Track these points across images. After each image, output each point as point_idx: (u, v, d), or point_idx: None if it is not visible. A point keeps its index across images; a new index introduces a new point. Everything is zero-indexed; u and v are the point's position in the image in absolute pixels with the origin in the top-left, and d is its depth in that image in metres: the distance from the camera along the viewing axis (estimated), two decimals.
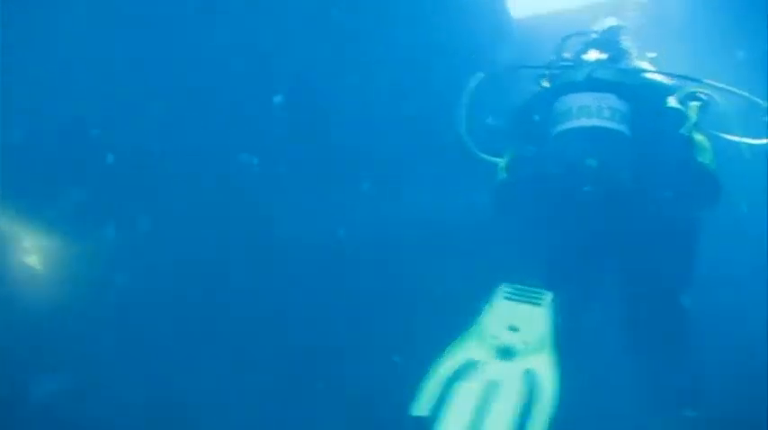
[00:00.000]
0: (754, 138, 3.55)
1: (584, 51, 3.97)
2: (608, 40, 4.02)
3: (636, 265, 3.44)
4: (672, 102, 3.48)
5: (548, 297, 2.76)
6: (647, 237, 3.31)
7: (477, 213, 4.17)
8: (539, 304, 2.72)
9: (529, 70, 3.99)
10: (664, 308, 3.34)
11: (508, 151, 3.76)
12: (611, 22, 4.21)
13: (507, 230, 3.84)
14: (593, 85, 3.46)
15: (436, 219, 5.07)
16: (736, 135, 3.54)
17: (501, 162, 3.74)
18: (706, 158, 3.37)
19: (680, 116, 3.42)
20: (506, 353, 2.54)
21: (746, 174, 3.57)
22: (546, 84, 3.88)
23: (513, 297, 2.77)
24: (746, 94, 3.47)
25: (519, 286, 2.83)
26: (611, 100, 3.38)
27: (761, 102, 3.46)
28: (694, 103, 3.50)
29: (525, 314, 2.67)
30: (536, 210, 3.48)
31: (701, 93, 3.53)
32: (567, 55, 4.02)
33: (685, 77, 3.60)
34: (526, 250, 3.58)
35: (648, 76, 3.68)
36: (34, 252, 4.85)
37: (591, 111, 3.34)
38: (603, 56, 3.88)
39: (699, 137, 3.41)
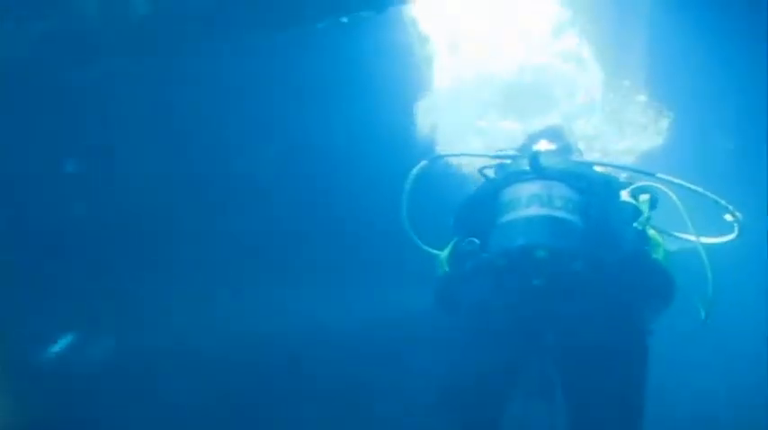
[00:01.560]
0: (708, 236, 3.36)
1: (532, 143, 3.82)
2: (555, 134, 3.89)
3: (587, 365, 3.06)
4: (625, 195, 3.29)
5: None
6: (601, 334, 2.94)
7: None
8: None
9: (474, 159, 3.81)
10: (615, 412, 2.94)
11: (451, 243, 3.50)
12: (556, 120, 4.15)
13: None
14: (543, 173, 3.24)
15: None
16: (689, 233, 3.34)
17: (442, 254, 3.49)
18: (659, 255, 3.16)
19: (633, 210, 3.22)
20: None
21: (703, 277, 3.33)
22: (491, 173, 3.67)
23: None
24: (700, 189, 3.31)
25: None
26: (561, 189, 3.16)
27: (716, 198, 3.30)
28: (644, 196, 3.32)
29: None
30: (481, 306, 3.10)
31: (653, 186, 3.36)
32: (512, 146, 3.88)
33: (638, 170, 3.47)
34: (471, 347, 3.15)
35: (600, 168, 3.51)
36: None
37: (542, 200, 3.10)
38: (552, 146, 3.73)
39: (652, 232, 3.23)
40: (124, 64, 4.11)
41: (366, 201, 4.75)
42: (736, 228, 3.28)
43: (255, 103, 4.61)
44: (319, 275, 5.04)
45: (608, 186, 3.36)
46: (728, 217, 3.30)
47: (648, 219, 3.23)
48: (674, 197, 3.30)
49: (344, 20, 3.89)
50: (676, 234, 3.40)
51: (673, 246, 3.33)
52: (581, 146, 3.99)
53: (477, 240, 3.21)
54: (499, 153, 3.77)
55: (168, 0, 3.77)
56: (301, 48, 4.34)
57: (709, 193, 3.30)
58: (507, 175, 3.38)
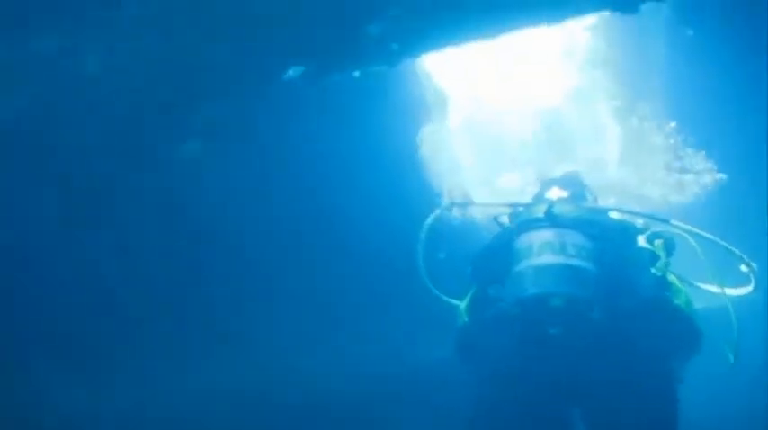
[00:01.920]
0: (724, 286, 3.30)
1: (546, 190, 3.83)
2: (569, 181, 3.90)
3: (608, 415, 3.00)
4: (641, 241, 3.26)
5: None
6: (622, 383, 2.89)
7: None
8: None
9: (489, 208, 3.82)
10: None
11: (469, 293, 3.50)
12: (570, 167, 4.16)
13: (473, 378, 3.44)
14: (556, 221, 3.23)
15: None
16: (706, 281, 3.30)
17: (461, 304, 3.48)
18: (681, 300, 3.12)
19: (651, 256, 3.19)
20: None
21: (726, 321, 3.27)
22: (506, 222, 3.69)
23: None
24: (715, 238, 3.28)
25: None
26: (575, 237, 3.13)
27: (731, 248, 3.26)
28: (659, 242, 3.30)
29: None
30: (501, 354, 3.08)
31: (669, 232, 3.34)
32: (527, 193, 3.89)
33: (652, 217, 3.45)
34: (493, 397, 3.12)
35: (613, 214, 3.50)
36: None
37: (554, 248, 3.07)
38: (564, 193, 3.73)
39: (672, 277, 3.19)
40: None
41: (382, 253, 4.75)
42: (752, 280, 3.24)
43: (261, 159, 4.61)
44: (335, 328, 5.01)
45: (623, 232, 3.34)
46: (744, 267, 3.26)
47: (667, 264, 3.21)
48: (693, 243, 3.28)
49: (356, 74, 3.89)
50: (695, 283, 3.35)
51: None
52: (596, 192, 4.00)
53: (494, 288, 3.22)
54: (513, 201, 3.79)
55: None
56: (310, 102, 4.34)
57: (724, 243, 3.27)
58: (521, 224, 3.37)
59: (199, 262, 4.63)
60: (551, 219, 3.23)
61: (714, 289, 3.30)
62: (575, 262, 3.01)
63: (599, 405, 2.96)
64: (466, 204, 4.09)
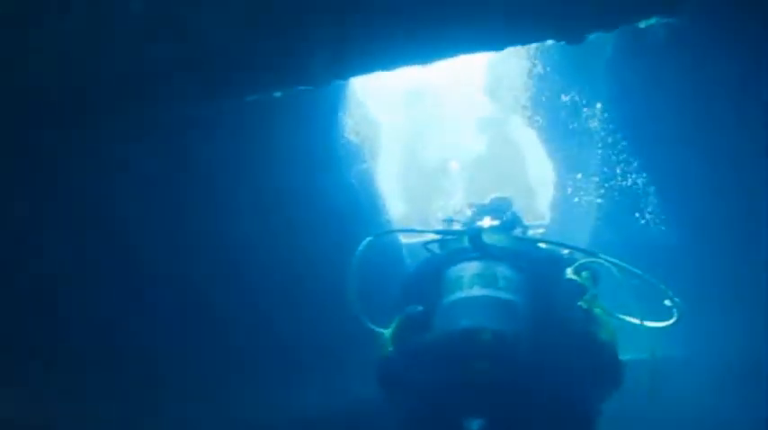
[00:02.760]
0: (649, 320, 3.30)
1: (477, 218, 3.80)
2: (500, 207, 3.89)
3: None
4: (569, 273, 3.25)
5: None
6: (544, 419, 2.86)
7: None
8: None
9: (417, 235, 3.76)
10: None
11: (394, 321, 3.39)
12: (500, 194, 4.16)
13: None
14: (486, 252, 3.20)
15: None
16: (630, 315, 3.30)
17: (386, 333, 3.37)
18: (607, 336, 3.11)
19: (578, 288, 3.18)
20: None
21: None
22: (436, 249, 3.63)
23: None
24: (639, 271, 3.31)
25: None
26: (504, 269, 3.10)
27: (656, 282, 3.29)
28: (585, 274, 3.30)
29: None
30: (424, 387, 2.99)
31: (595, 263, 3.35)
32: (457, 220, 3.84)
33: (580, 249, 3.45)
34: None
35: (543, 245, 3.49)
36: None
37: (485, 280, 3.03)
38: (495, 222, 3.70)
39: (598, 310, 3.18)
40: None
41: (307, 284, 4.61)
42: (675, 314, 3.26)
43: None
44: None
45: (552, 263, 3.34)
46: (667, 302, 3.30)
47: (595, 296, 3.21)
48: (618, 276, 3.28)
49: (277, 94, 3.55)
50: (620, 316, 3.36)
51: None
52: (526, 220, 3.99)
53: (420, 315, 3.14)
54: (444, 229, 3.73)
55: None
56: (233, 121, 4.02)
57: (650, 277, 3.30)
58: (451, 253, 3.33)
59: None
60: (481, 250, 3.20)
61: (636, 321, 3.29)
62: (504, 295, 2.97)
63: None
64: (396, 231, 3.99)
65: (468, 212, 3.93)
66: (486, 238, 3.26)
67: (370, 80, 3.93)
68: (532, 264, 3.22)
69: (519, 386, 2.81)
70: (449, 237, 3.60)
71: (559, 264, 3.35)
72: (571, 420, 2.89)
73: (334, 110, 5.00)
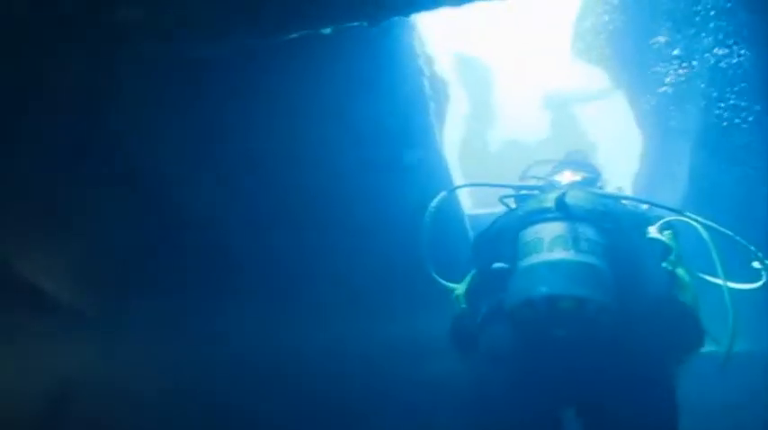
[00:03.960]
0: (734, 281, 3.18)
1: (557, 172, 3.69)
2: (580, 163, 3.76)
3: (607, 418, 2.93)
4: (653, 232, 3.15)
5: None
6: (624, 386, 2.82)
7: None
8: None
9: (495, 189, 3.68)
10: None
11: (467, 277, 3.38)
12: (580, 148, 4.02)
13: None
14: (568, 212, 3.06)
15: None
16: (716, 275, 3.19)
17: (458, 289, 3.35)
18: (688, 297, 3.03)
19: (662, 248, 3.09)
20: None
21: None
22: (513, 205, 3.54)
23: None
24: (730, 232, 3.18)
25: None
26: (587, 230, 2.98)
27: (745, 242, 3.17)
28: (668, 233, 3.18)
29: None
30: (498, 355, 2.98)
31: (679, 222, 3.24)
32: (537, 175, 3.74)
33: (664, 206, 3.33)
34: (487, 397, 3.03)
35: (626, 202, 3.38)
36: None
37: (566, 243, 2.91)
38: (577, 177, 3.59)
39: (681, 271, 3.09)
40: None
41: (382, 235, 4.62)
42: (764, 275, 3.14)
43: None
44: (333, 305, 4.94)
45: (635, 222, 3.23)
46: (756, 263, 3.17)
47: (679, 257, 3.11)
48: (705, 236, 3.16)
49: (327, 31, 3.19)
50: (703, 275, 3.26)
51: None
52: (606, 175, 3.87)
53: (504, 265, 3.05)
54: (523, 184, 3.65)
55: None
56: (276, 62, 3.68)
57: (738, 237, 3.18)
58: (529, 212, 3.19)
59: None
60: (563, 210, 3.07)
61: (721, 282, 3.19)
62: (588, 259, 2.87)
63: (601, 407, 2.88)
64: (472, 185, 3.92)
65: (548, 167, 3.82)
66: (569, 198, 3.11)
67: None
68: (616, 224, 3.09)
69: (599, 354, 2.78)
70: (529, 192, 3.52)
71: (643, 222, 3.24)
72: (651, 385, 2.84)
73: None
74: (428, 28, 5.00)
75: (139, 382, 5.47)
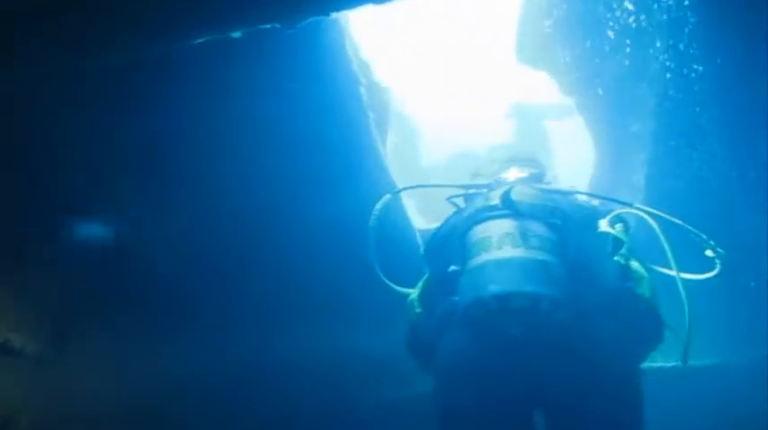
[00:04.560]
0: (686, 271, 3.11)
1: (503, 169, 3.59)
2: (527, 160, 3.67)
3: (573, 416, 2.81)
4: (603, 226, 3.06)
5: None
6: (587, 383, 2.71)
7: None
8: None
9: (441, 190, 3.56)
10: None
11: (421, 281, 3.26)
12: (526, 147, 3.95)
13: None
14: (515, 209, 2.96)
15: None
16: (667, 267, 3.11)
17: (413, 294, 3.23)
18: (645, 290, 2.94)
19: (614, 241, 3.00)
20: None
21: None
22: (461, 205, 3.43)
23: None
24: (680, 221, 3.11)
25: None
26: (536, 226, 2.88)
27: (697, 232, 3.10)
28: (619, 226, 3.10)
29: None
30: (457, 353, 2.84)
31: (629, 214, 3.16)
32: (482, 175, 3.64)
33: (615, 200, 3.26)
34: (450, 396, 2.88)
35: (576, 197, 3.29)
36: None
37: (515, 240, 2.81)
38: (524, 173, 3.50)
39: (635, 264, 3.00)
40: None
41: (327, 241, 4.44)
42: (717, 265, 3.07)
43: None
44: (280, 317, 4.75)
45: (585, 217, 3.14)
46: (709, 252, 3.11)
47: (631, 250, 3.03)
48: (656, 228, 3.08)
49: (237, 35, 2.97)
50: (655, 267, 3.18)
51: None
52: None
53: (455, 267, 2.93)
54: (469, 183, 3.54)
55: None
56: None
57: (690, 227, 3.11)
58: (476, 211, 3.08)
59: None
60: (510, 207, 2.97)
61: (674, 274, 3.10)
62: (538, 255, 2.76)
63: (563, 406, 2.76)
64: (417, 187, 3.80)
65: (494, 165, 3.72)
66: (515, 194, 3.02)
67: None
68: (565, 219, 3.00)
69: (557, 352, 2.67)
70: (475, 191, 3.41)
71: (592, 216, 3.15)
72: (615, 381, 2.74)
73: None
74: (376, 36, 4.83)
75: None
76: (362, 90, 5.06)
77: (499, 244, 2.80)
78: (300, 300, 4.87)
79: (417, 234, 5.46)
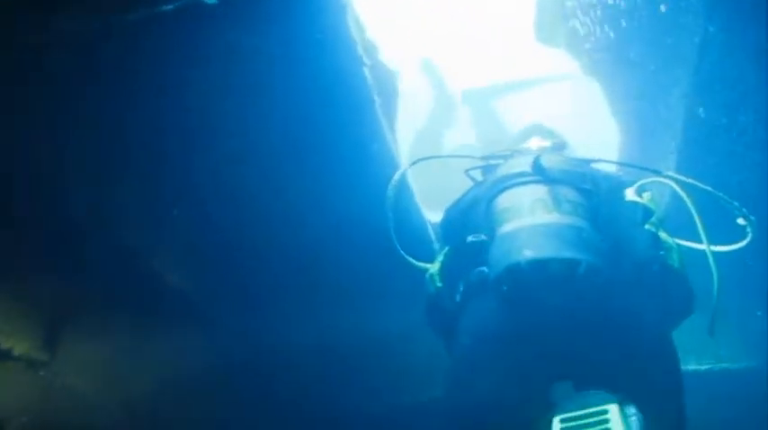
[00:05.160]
0: (717, 243, 3.00)
1: (524, 139, 3.48)
2: (548, 130, 3.57)
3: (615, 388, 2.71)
4: (630, 194, 2.96)
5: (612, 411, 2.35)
6: (624, 352, 2.61)
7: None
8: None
9: (462, 161, 3.45)
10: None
11: (440, 255, 3.12)
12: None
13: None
14: (545, 174, 2.86)
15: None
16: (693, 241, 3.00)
17: (431, 268, 3.08)
18: (675, 261, 2.85)
19: (644, 210, 2.90)
20: None
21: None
22: (482, 177, 3.32)
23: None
24: (710, 188, 3.00)
25: (574, 414, 2.39)
26: (569, 192, 2.78)
27: (728, 199, 2.99)
28: (647, 195, 3.00)
29: None
30: (487, 333, 2.71)
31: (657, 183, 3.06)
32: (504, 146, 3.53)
33: (643, 168, 3.15)
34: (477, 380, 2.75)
35: (602, 165, 3.19)
36: None
37: (548, 205, 2.70)
38: (546, 143, 3.39)
39: (664, 235, 2.91)
40: None
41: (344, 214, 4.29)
42: (749, 233, 2.96)
43: None
44: (293, 296, 4.63)
45: (612, 186, 3.04)
46: (741, 220, 3.00)
47: (661, 219, 2.93)
48: (685, 197, 2.98)
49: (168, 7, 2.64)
50: (683, 242, 3.08)
51: None
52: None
53: (482, 236, 2.81)
54: (488, 154, 3.43)
55: None
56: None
57: (720, 194, 3.00)
58: (502, 178, 2.97)
59: None
60: (540, 173, 2.86)
61: (702, 247, 2.99)
62: (573, 220, 2.66)
63: (596, 374, 2.64)
64: (434, 158, 3.67)
65: (514, 136, 3.61)
66: (544, 160, 2.92)
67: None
68: (594, 186, 2.90)
69: (594, 320, 2.56)
70: (496, 162, 3.29)
71: (619, 185, 3.05)
72: (652, 350, 2.65)
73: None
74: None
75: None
76: (367, 71, 4.89)
77: (532, 209, 2.70)
78: (310, 288, 4.75)
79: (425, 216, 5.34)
